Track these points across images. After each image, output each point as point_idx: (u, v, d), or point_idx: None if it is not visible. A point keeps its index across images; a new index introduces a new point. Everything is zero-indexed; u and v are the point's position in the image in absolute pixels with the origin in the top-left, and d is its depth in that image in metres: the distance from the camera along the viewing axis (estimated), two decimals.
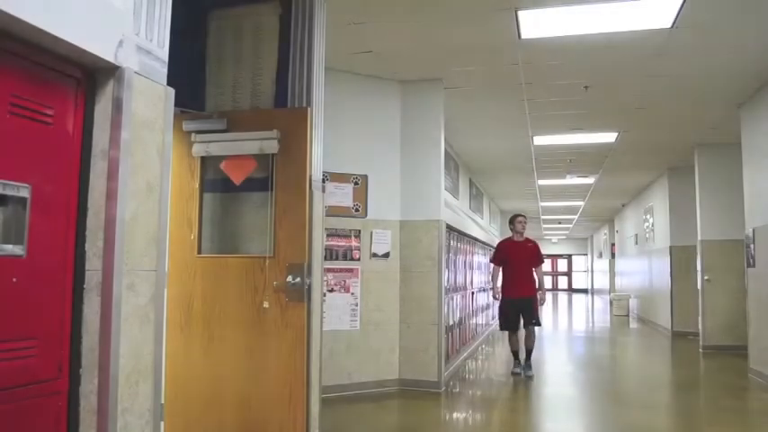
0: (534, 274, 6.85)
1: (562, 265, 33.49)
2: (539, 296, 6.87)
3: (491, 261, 7.24)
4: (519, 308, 6.68)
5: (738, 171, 7.01)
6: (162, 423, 2.08)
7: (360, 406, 5.20)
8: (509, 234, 7.23)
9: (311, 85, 3.53)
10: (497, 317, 7.53)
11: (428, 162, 6.06)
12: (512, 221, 6.92)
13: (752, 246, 6.52)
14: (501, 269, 6.92)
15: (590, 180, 11.94)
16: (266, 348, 3.37)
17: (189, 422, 3.46)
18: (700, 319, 8.80)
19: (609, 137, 8.33)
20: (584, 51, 5.24)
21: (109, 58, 1.86)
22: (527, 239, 6.92)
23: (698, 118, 7.44)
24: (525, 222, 6.90)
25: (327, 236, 5.37)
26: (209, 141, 3.54)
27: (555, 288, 32.55)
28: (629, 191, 13.87)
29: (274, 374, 3.34)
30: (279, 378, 3.33)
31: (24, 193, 1.67)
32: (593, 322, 15.48)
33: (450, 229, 6.99)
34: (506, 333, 6.99)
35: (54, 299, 1.79)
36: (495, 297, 7.03)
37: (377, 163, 5.94)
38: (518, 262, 6.74)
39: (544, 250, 7.85)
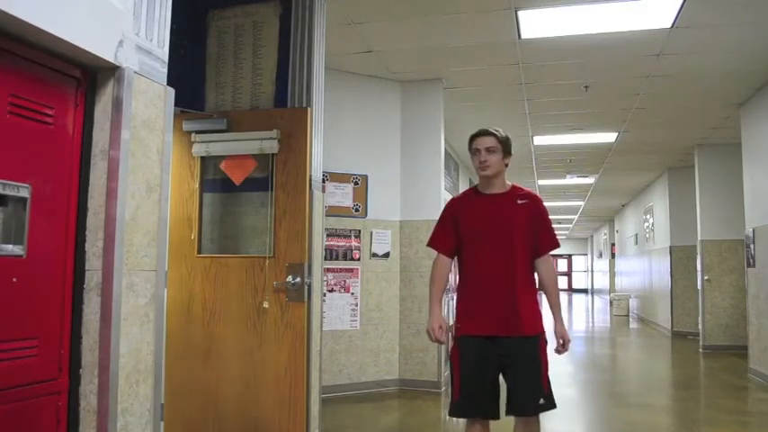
0: (536, 274, 2.84)
1: (562, 265, 33.49)
2: (557, 332, 2.80)
3: (428, 244, 3.02)
4: (499, 362, 2.71)
5: (738, 171, 7.01)
6: (162, 423, 2.08)
7: (360, 406, 5.20)
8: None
9: (311, 85, 3.53)
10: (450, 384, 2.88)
11: (428, 162, 6.06)
12: (471, 145, 2.84)
13: (752, 246, 6.52)
14: (451, 264, 2.93)
15: (590, 180, 11.94)
16: (266, 348, 3.37)
17: (189, 422, 3.46)
18: (700, 319, 8.80)
19: (609, 137, 8.33)
20: (585, 51, 5.24)
21: (109, 57, 1.86)
22: (514, 189, 2.86)
23: (698, 118, 7.44)
24: (499, 146, 2.79)
25: (327, 236, 5.37)
26: (209, 141, 3.54)
27: None
28: (629, 191, 13.86)
29: (274, 374, 3.34)
30: (279, 378, 3.33)
31: (24, 193, 1.67)
32: (593, 322, 15.47)
33: None
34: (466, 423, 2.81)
35: (54, 299, 1.79)
36: (433, 337, 2.76)
37: (377, 163, 5.94)
38: (494, 243, 2.75)
39: None
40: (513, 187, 2.87)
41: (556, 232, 2.93)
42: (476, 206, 2.84)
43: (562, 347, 2.77)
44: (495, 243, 2.74)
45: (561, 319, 2.80)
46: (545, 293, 2.87)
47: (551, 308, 2.85)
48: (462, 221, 2.84)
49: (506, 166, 2.83)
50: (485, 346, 2.69)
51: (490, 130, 2.81)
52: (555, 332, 2.78)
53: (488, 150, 2.76)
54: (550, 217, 2.93)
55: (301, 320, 3.32)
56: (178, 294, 3.52)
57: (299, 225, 3.37)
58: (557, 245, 2.86)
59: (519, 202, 2.81)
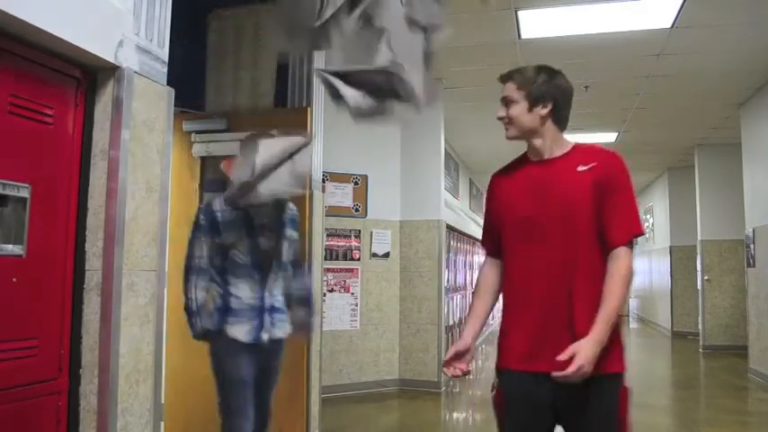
0: (606, 276, 1.75)
1: None
2: (573, 347, 1.65)
3: (482, 242, 2.07)
4: (555, 412, 1.78)
5: (738, 171, 7.01)
6: (162, 423, 2.08)
7: (360, 406, 5.20)
8: None
9: (311, 85, 3.53)
10: None
11: (428, 162, 6.06)
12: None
13: (752, 246, 6.52)
14: (499, 268, 1.94)
15: None
16: None
17: (189, 422, 3.46)
18: (700, 319, 8.80)
19: (609, 137, 8.33)
20: (585, 51, 5.24)
21: (109, 58, 1.86)
22: (576, 150, 1.86)
23: (698, 118, 7.44)
24: (520, 93, 1.82)
25: (327, 236, 5.37)
26: (209, 141, 3.55)
27: None
28: None
29: None
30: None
31: (24, 193, 1.67)
32: None
33: (450, 229, 6.99)
34: None
35: (54, 299, 1.79)
36: (451, 370, 1.89)
37: (377, 163, 5.94)
38: (542, 237, 1.79)
39: None
40: (576, 148, 1.87)
41: None
42: (516, 182, 1.89)
43: (564, 369, 1.61)
44: (544, 237, 1.78)
45: (596, 337, 1.66)
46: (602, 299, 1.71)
47: (597, 315, 1.69)
48: (498, 204, 1.92)
49: (548, 118, 1.82)
50: (536, 387, 1.74)
51: (514, 70, 1.88)
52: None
53: (506, 102, 1.85)
54: None
55: None
56: (178, 294, 3.52)
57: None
58: (634, 230, 1.82)
59: (581, 168, 1.80)
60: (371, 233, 5.84)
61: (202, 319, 2.58)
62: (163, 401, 2.08)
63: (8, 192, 1.62)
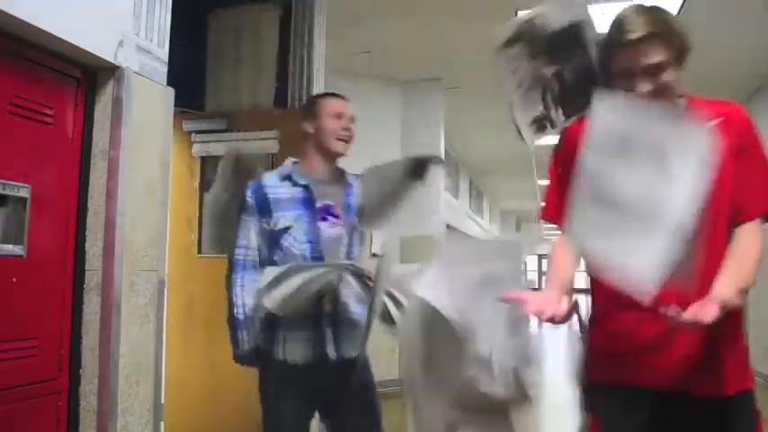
0: (730, 252, 1.39)
1: None
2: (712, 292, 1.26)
3: (541, 215, 1.59)
4: None
5: None
6: (162, 423, 2.08)
7: None
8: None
9: (311, 85, 3.53)
10: None
11: None
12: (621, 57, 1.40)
13: None
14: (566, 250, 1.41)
15: None
16: None
17: (188, 423, 3.46)
18: None
19: None
20: None
21: (109, 58, 1.86)
22: (693, 106, 1.53)
23: None
24: (671, 55, 1.34)
25: None
26: (209, 141, 3.55)
27: None
28: None
29: None
30: None
31: (24, 193, 1.67)
32: None
33: (450, 229, 6.99)
34: None
35: (54, 299, 1.80)
36: (548, 308, 1.25)
37: (376, 163, 5.93)
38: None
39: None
40: (693, 102, 1.54)
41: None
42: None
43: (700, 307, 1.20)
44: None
45: (730, 282, 1.36)
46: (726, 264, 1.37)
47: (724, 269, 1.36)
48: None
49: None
50: (644, 411, 1.33)
51: (652, 27, 1.35)
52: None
53: (656, 69, 1.36)
54: None
55: None
56: (178, 295, 3.52)
57: None
58: None
59: (698, 131, 1.31)
60: (371, 233, 5.83)
61: (251, 333, 1.93)
62: (163, 401, 2.08)
63: (8, 192, 1.63)
